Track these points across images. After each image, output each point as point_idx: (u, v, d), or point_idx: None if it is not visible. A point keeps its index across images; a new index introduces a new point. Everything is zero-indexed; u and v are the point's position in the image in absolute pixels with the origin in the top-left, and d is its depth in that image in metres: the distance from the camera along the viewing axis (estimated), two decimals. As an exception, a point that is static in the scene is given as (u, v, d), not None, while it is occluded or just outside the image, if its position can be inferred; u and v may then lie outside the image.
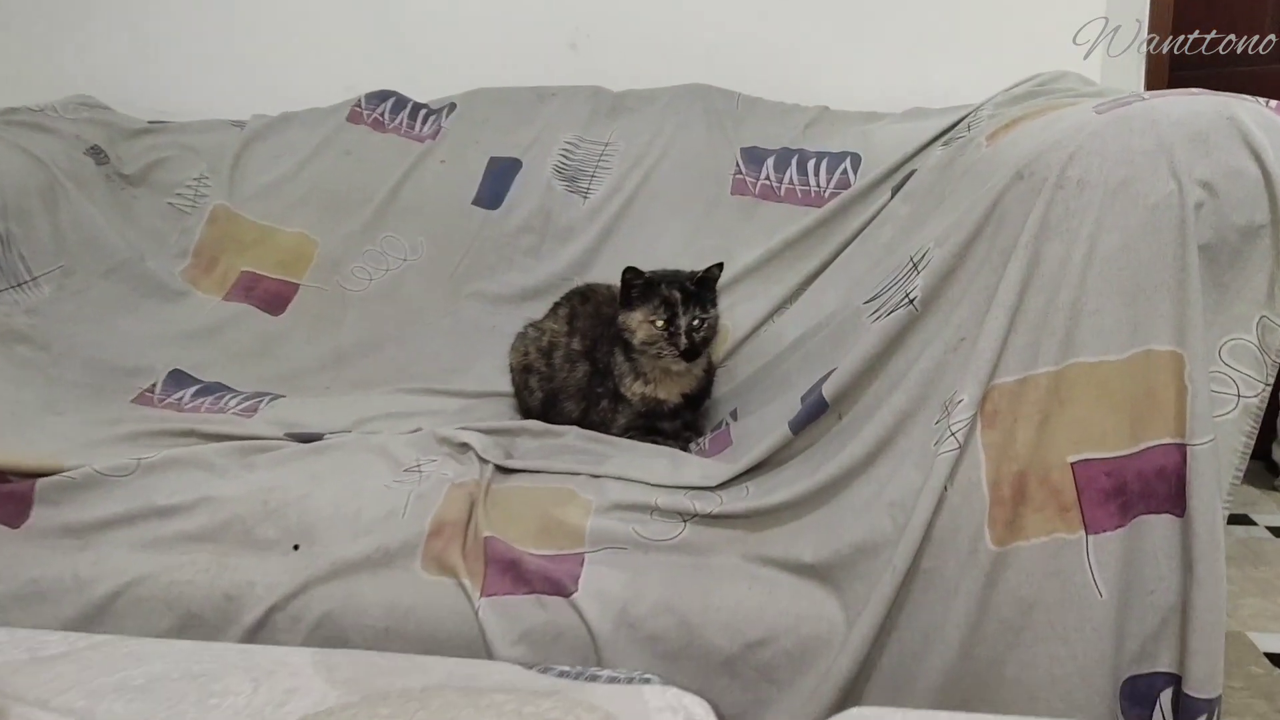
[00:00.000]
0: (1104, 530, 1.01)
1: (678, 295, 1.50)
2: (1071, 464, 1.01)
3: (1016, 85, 1.65)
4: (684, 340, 1.49)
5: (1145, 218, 1.01)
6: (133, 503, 1.27)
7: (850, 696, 1.06)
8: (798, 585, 1.12)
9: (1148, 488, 1.00)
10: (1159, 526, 1.01)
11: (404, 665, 0.83)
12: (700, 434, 1.61)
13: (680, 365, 1.51)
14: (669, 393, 1.57)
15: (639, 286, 1.52)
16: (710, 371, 1.62)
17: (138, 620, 1.20)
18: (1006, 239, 1.07)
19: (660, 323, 1.50)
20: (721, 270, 1.55)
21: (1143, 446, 1.00)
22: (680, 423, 1.60)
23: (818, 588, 1.12)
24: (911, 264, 1.22)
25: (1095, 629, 1.01)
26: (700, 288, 1.53)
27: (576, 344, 1.63)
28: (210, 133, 2.04)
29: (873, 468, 1.13)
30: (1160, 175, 1.01)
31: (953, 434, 1.06)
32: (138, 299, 1.82)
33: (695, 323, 1.50)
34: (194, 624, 1.20)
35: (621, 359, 1.57)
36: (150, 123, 2.09)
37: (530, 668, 0.84)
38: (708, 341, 1.54)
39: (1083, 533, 1.01)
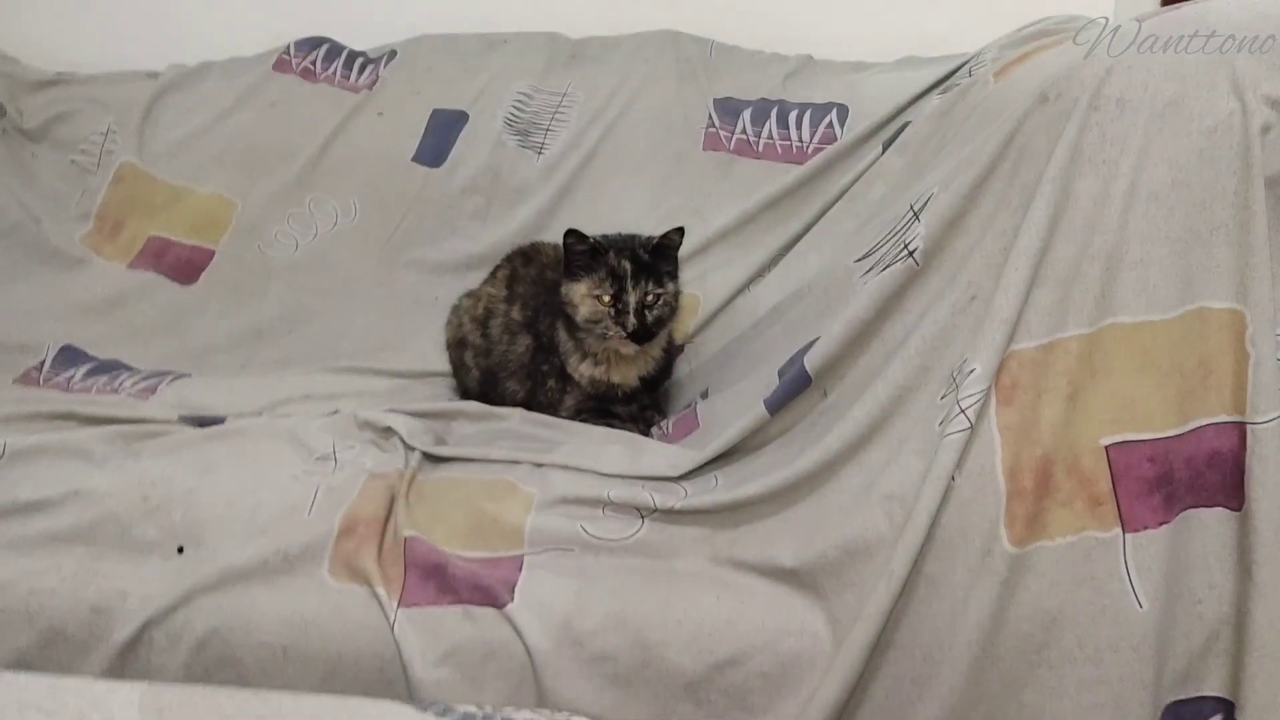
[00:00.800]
0: (1145, 527, 0.91)
1: (628, 266, 1.35)
2: (1106, 447, 0.91)
3: (1023, 28, 1.51)
4: (633, 320, 1.35)
5: (1200, 144, 0.90)
6: None
7: (838, 728, 0.96)
8: (775, 594, 1.02)
9: (1198, 476, 0.90)
10: (1210, 522, 0.90)
11: (256, 709, 0.65)
12: (664, 414, 1.48)
13: (629, 348, 1.38)
14: (623, 376, 1.43)
15: (583, 253, 1.37)
16: (670, 352, 1.50)
17: None
18: (1029, 175, 0.96)
19: (606, 298, 1.36)
20: (682, 236, 1.41)
21: (1193, 426, 0.90)
22: (637, 406, 1.46)
23: (799, 597, 1.01)
24: (912, 212, 1.09)
25: (1133, 647, 0.91)
26: (656, 257, 1.38)
27: (517, 313, 1.49)
28: (121, 85, 1.93)
29: (864, 453, 1.02)
30: (1218, 92, 0.90)
31: (962, 411, 0.94)
32: (30, 266, 1.72)
33: (648, 299, 1.36)
34: (57, 641, 1.07)
35: (565, 335, 1.43)
36: (56, 74, 1.98)
37: (425, 709, 0.66)
38: (663, 321, 1.39)
39: (1119, 530, 0.91)
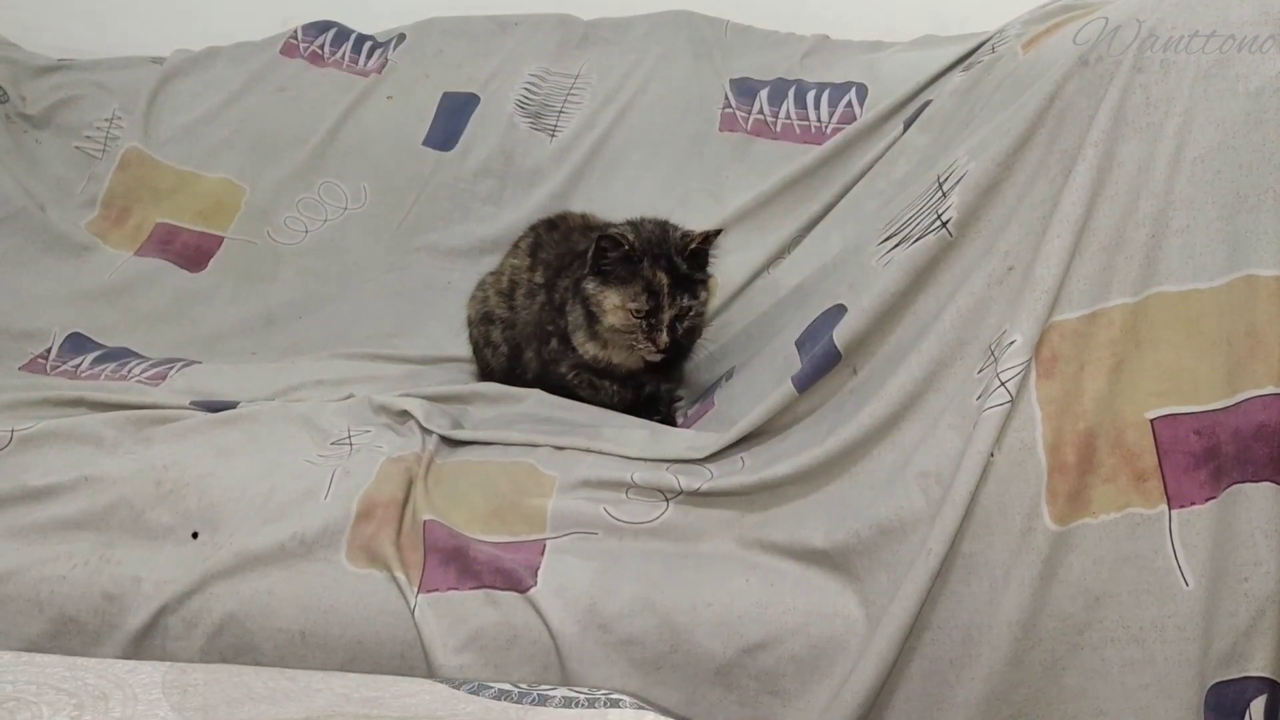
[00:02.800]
0: (1191, 503, 0.89)
1: (664, 280, 1.29)
2: (1151, 421, 0.89)
3: (1046, 4, 1.47)
4: (665, 337, 1.29)
5: (1247, 107, 0.88)
6: (2, 483, 1.15)
7: (873, 712, 0.95)
8: (806, 576, 1.00)
9: (1245, 450, 0.87)
10: (1258, 498, 0.87)
11: (285, 686, 0.63)
12: (675, 390, 1.46)
13: (656, 359, 1.33)
14: (625, 359, 1.37)
15: (616, 260, 1.30)
16: (691, 332, 1.43)
17: (3, 624, 1.07)
18: (1069, 140, 0.94)
19: (640, 313, 1.30)
20: (719, 235, 1.36)
21: (1241, 398, 0.87)
22: (633, 388, 1.41)
23: (831, 579, 0.99)
24: (938, 183, 1.05)
25: (1179, 627, 0.89)
26: (692, 264, 1.32)
27: (539, 277, 1.45)
28: (125, 70, 1.91)
29: (898, 430, 1.01)
30: (1266, 52, 0.89)
31: (1002, 384, 0.92)
32: (34, 253, 1.69)
33: (682, 310, 1.30)
34: (69, 629, 1.06)
35: (580, 312, 1.36)
36: (59, 60, 1.96)
37: (459, 686, 0.64)
38: (694, 332, 1.34)
39: (1164, 507, 0.89)
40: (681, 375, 1.50)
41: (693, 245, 1.31)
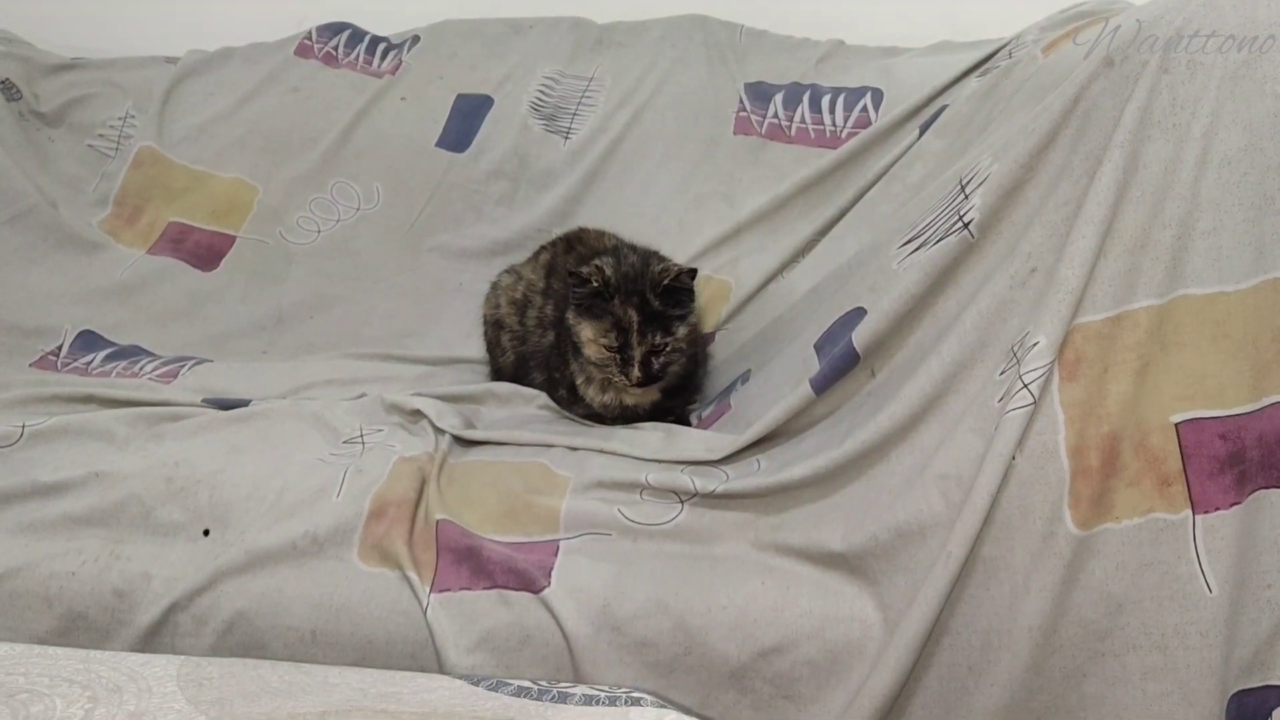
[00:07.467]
0: (1215, 509, 0.87)
1: (634, 317, 1.26)
2: (1176, 425, 0.87)
3: (1064, 10, 1.47)
4: (638, 373, 1.27)
5: (1275, 108, 0.86)
6: (12, 478, 1.14)
7: (889, 718, 0.93)
8: (823, 579, 0.99)
9: (1270, 455, 0.85)
10: None
11: (301, 680, 0.62)
12: (691, 405, 1.43)
13: (636, 392, 1.30)
14: (638, 399, 1.34)
15: (588, 295, 1.28)
16: (694, 360, 1.41)
17: (11, 620, 1.06)
18: (1094, 141, 0.93)
19: (612, 348, 1.27)
20: (694, 276, 1.33)
21: (1266, 402, 0.86)
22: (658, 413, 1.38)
23: (848, 582, 0.98)
24: (960, 187, 1.02)
25: (1202, 634, 0.87)
26: (666, 301, 1.28)
27: (550, 309, 1.42)
28: (139, 69, 1.89)
29: (917, 433, 1.00)
30: None
31: (1025, 386, 0.90)
32: (46, 250, 1.67)
33: (655, 347, 1.27)
34: (78, 625, 1.06)
35: (573, 357, 1.34)
36: (73, 58, 1.95)
37: (477, 683, 0.62)
38: (673, 364, 1.31)
39: (1188, 512, 0.87)
40: (698, 384, 1.48)
41: (666, 281, 1.27)
